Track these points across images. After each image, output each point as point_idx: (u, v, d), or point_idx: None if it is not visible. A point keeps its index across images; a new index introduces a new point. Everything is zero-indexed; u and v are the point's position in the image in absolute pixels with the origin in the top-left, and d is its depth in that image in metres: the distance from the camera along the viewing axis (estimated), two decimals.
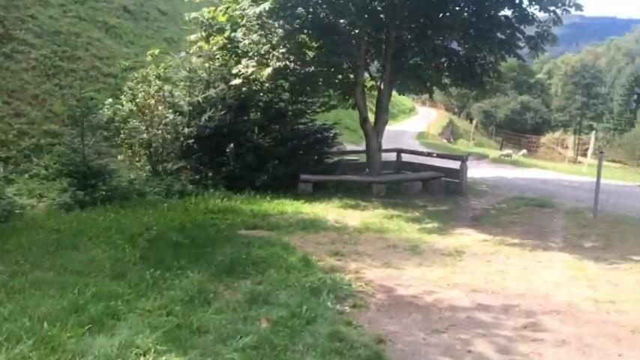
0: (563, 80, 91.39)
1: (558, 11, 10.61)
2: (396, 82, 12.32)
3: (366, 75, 12.73)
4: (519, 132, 51.86)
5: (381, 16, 11.68)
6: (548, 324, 4.64)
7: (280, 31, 10.28)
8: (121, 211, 8.31)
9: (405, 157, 13.98)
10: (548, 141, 54.06)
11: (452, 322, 4.65)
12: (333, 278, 5.49)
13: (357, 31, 11.38)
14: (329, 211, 9.55)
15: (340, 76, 12.40)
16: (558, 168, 17.60)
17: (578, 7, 10.61)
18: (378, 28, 11.92)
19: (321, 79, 11.88)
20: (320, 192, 11.14)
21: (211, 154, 10.97)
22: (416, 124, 42.64)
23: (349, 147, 18.75)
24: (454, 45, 12.35)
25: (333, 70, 12.07)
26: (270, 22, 10.16)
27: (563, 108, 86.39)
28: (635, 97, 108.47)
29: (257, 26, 10.39)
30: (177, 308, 4.44)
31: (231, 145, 10.66)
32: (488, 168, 17.64)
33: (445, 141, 39.41)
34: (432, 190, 11.81)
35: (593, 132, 20.47)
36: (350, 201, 10.41)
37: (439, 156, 12.81)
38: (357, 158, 14.83)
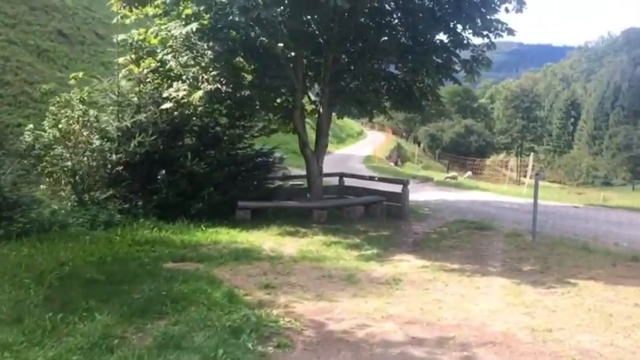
0: (504, 104, 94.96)
1: (492, 36, 10.76)
2: (335, 106, 12.14)
3: (307, 99, 12.53)
4: (464, 155, 53.08)
5: (319, 40, 11.54)
6: (484, 357, 4.37)
7: (210, 53, 9.91)
8: (37, 245, 7.61)
9: (348, 182, 13.79)
10: (492, 163, 55.54)
11: (383, 359, 4.32)
12: (259, 315, 5.07)
13: (293, 54, 11.17)
14: (266, 239, 9.15)
15: (279, 100, 12.13)
16: (499, 190, 17.86)
17: (511, 32, 10.81)
18: (315, 51, 11.78)
19: (258, 103, 11.56)
20: (259, 219, 10.73)
21: (142, 181, 10.38)
22: (363, 148, 42.89)
23: (296, 171, 18.49)
24: (393, 69, 12.35)
25: (271, 93, 11.78)
26: (200, 43, 9.80)
27: (505, 131, 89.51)
28: (572, 120, 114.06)
29: (185, 48, 10.00)
30: (74, 359, 3.92)
31: (163, 171, 10.12)
32: (432, 191, 17.70)
33: (392, 164, 39.79)
34: (374, 215, 11.60)
35: (532, 154, 20.89)
36: (289, 228, 10.05)
37: (381, 180, 12.66)
38: (301, 183, 14.56)
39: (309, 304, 5.68)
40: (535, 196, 9.54)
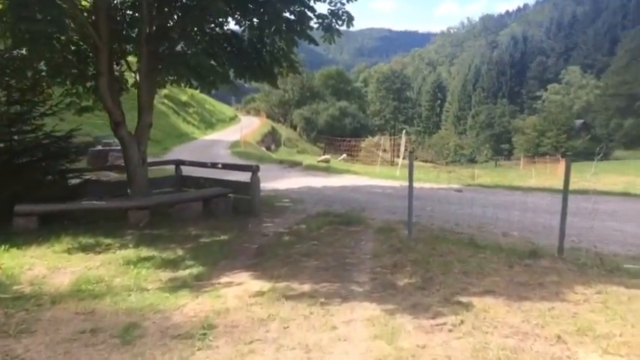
0: (376, 86, 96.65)
1: None
2: (158, 74, 9.29)
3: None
4: (339, 137, 52.15)
5: None
6: None
7: None
8: None
9: (190, 172, 11.04)
10: (367, 145, 55.28)
11: None
12: None
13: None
14: (39, 260, 6.22)
15: (80, 65, 9.02)
16: (372, 173, 16.12)
17: None
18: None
19: (44, 68, 8.39)
20: (52, 227, 7.71)
21: None
22: (234, 134, 39.91)
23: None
24: (235, 27, 9.79)
25: (65, 55, 8.65)
26: None
27: (379, 112, 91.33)
28: (439, 102, 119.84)
29: None
30: None
31: None
32: (299, 177, 15.48)
33: (264, 149, 37.35)
34: (216, 212, 9.04)
35: (404, 131, 19.53)
36: (87, 239, 7.18)
37: (225, 167, 10.06)
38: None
39: None
40: (410, 179, 7.55)
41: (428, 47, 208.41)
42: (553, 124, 60.84)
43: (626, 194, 11.20)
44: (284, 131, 61.95)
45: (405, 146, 18.70)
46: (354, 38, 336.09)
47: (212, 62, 9.39)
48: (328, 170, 16.88)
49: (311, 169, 17.65)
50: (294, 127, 66.95)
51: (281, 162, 19.24)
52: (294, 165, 18.66)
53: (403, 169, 17.56)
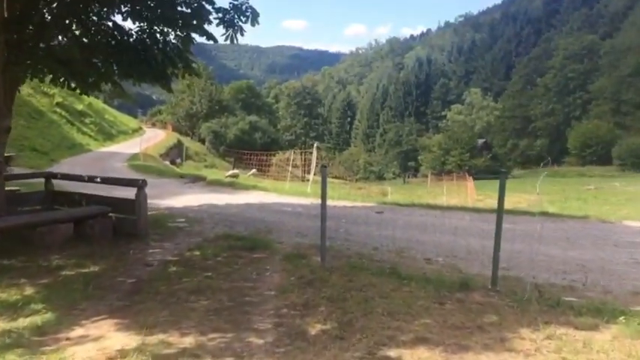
0: (287, 101, 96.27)
1: None
2: (21, 69, 7.57)
3: None
4: (249, 151, 50.71)
5: None
6: None
7: None
8: None
9: (67, 187, 9.32)
10: (278, 160, 54.24)
11: None
12: None
13: None
14: None
15: None
16: (281, 189, 14.95)
17: None
18: None
19: None
20: None
21: None
22: (134, 146, 37.25)
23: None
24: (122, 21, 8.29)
25: None
26: None
27: (290, 127, 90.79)
28: (349, 119, 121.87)
29: None
30: None
31: None
32: (200, 194, 13.98)
33: (168, 163, 35.07)
34: (92, 235, 7.45)
35: (315, 144, 18.64)
36: None
37: (105, 181, 8.45)
38: (17, 188, 9.73)
39: None
40: (323, 197, 6.48)
41: (338, 66, 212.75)
42: (457, 143, 63.27)
43: (544, 213, 10.88)
44: (191, 145, 59.37)
45: (317, 161, 17.77)
46: (265, 55, 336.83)
47: (92, 59, 7.85)
48: (234, 186, 15.50)
49: (215, 184, 16.18)
50: (203, 141, 64.47)
51: (182, 176, 17.59)
52: (196, 180, 17.08)
53: (314, 185, 16.61)
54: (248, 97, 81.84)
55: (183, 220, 9.52)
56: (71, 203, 8.56)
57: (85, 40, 7.90)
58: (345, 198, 13.53)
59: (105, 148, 34.81)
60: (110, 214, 7.96)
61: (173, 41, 8.64)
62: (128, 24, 8.20)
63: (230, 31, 8.37)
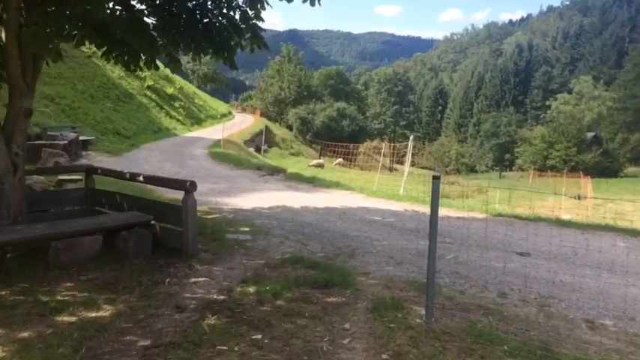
0: (377, 88, 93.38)
1: None
2: (41, 31, 5.95)
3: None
4: (336, 140, 48.98)
5: None
6: None
7: None
8: None
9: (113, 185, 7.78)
10: (366, 149, 52.11)
11: None
12: None
13: None
14: None
15: None
16: (367, 189, 12.73)
17: None
18: None
19: None
20: None
21: None
22: (220, 131, 36.68)
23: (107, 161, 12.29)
24: None
25: None
26: None
27: (378, 115, 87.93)
28: (440, 108, 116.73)
29: None
30: None
31: None
32: (275, 190, 12.19)
33: (252, 150, 34.01)
34: (125, 251, 5.78)
35: (412, 136, 16.28)
36: None
37: (147, 181, 6.74)
38: (78, 177, 8.58)
39: None
40: (433, 223, 4.32)
41: (430, 53, 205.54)
42: (562, 136, 57.60)
43: None
44: (279, 131, 58.60)
45: (413, 153, 15.46)
46: (356, 42, 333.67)
47: (133, 24, 6.13)
48: (314, 183, 13.54)
49: (294, 179, 14.33)
50: (290, 128, 63.58)
51: (259, 168, 15.93)
52: (274, 172, 15.35)
53: (408, 184, 14.31)
54: (337, 84, 79.96)
55: (247, 229, 7.68)
56: (111, 205, 6.98)
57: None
58: (444, 204, 11.10)
59: (190, 133, 34.33)
60: (153, 223, 6.26)
61: (240, 3, 6.78)
62: None
63: None
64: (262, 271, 5.69)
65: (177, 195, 7.17)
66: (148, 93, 36.70)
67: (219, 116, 52.86)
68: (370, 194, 11.95)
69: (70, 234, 5.50)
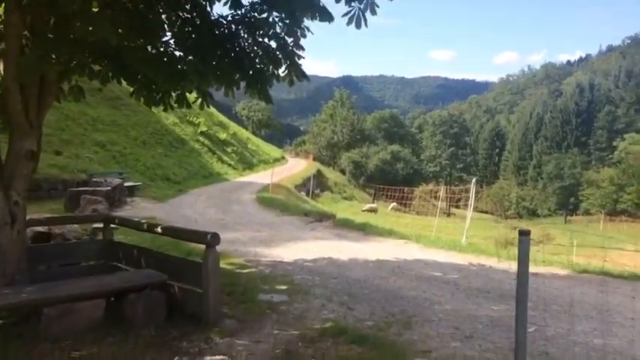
0: (432, 130, 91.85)
1: None
2: (48, 61, 5.21)
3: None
4: (390, 183, 47.67)
5: None
6: None
7: None
8: None
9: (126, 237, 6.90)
10: (422, 193, 50.41)
11: None
12: None
13: None
14: None
15: None
16: (425, 238, 11.34)
17: None
18: None
19: None
20: None
21: None
22: (273, 176, 36.21)
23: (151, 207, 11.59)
24: None
25: None
26: None
27: (434, 158, 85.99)
28: (497, 150, 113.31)
29: None
30: None
31: None
32: (321, 240, 11.07)
33: (304, 194, 33.20)
34: (133, 318, 4.80)
35: (473, 180, 14.89)
36: None
37: (165, 232, 5.78)
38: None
39: None
40: (521, 297, 3.12)
41: (486, 95, 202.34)
42: (633, 178, 53.94)
43: None
44: (331, 175, 57.98)
45: (476, 196, 14.03)
46: (410, 86, 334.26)
47: (148, 47, 5.36)
48: (365, 230, 12.34)
49: (343, 226, 13.18)
50: (343, 171, 62.87)
51: (306, 214, 14.91)
52: (322, 218, 14.28)
53: (470, 232, 12.86)
54: (391, 127, 79.19)
55: (284, 287, 6.58)
56: (129, 260, 6.08)
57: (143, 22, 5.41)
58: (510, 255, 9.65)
59: (242, 178, 34.00)
60: (170, 283, 5.28)
61: (277, 30, 5.90)
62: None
63: (355, 5, 5.41)
64: (295, 346, 4.56)
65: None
66: (201, 139, 36.90)
67: (271, 161, 52.78)
68: (428, 244, 10.61)
69: (63, 299, 4.57)
